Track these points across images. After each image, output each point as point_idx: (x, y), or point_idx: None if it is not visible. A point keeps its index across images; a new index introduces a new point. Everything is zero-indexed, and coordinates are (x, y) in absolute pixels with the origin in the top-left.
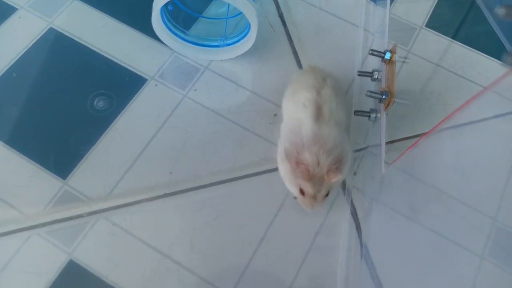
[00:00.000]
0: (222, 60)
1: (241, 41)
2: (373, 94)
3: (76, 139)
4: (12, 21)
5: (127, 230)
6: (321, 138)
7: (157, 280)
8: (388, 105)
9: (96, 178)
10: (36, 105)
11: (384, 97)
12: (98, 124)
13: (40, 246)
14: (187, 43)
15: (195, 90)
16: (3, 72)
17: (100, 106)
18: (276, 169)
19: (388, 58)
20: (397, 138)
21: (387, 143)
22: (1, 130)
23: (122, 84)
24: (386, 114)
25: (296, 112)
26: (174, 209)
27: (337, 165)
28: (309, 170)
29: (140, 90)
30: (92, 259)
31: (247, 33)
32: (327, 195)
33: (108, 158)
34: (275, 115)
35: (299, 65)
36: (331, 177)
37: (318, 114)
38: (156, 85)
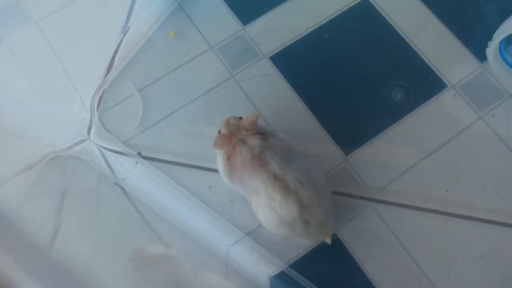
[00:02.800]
0: None
1: None
2: None
3: (365, 120)
4: None
5: (391, 229)
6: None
7: None
8: None
9: (375, 166)
10: (337, 71)
11: None
12: (390, 114)
13: None
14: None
15: (493, 115)
16: (316, 27)
17: (397, 97)
18: None
19: None
20: None
21: None
22: (302, 89)
23: (423, 83)
24: None
25: None
26: (442, 228)
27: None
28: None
29: (438, 95)
30: (354, 242)
31: None
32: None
33: (390, 151)
34: None
35: None
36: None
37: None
38: (454, 95)
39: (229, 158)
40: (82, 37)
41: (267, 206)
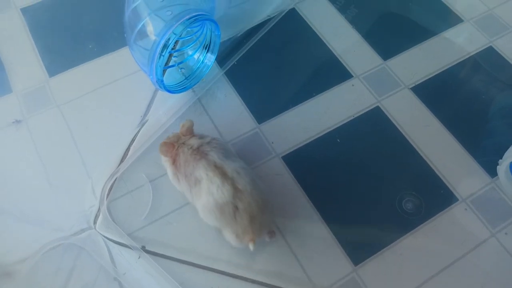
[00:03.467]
0: None
1: None
2: None
3: (375, 228)
4: (346, 86)
5: None
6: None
7: None
8: None
9: (385, 280)
10: (348, 176)
11: None
12: (401, 224)
13: None
14: None
15: (506, 233)
16: (328, 130)
17: (408, 208)
18: None
19: None
20: None
21: None
22: (312, 191)
23: (435, 194)
24: None
25: None
26: None
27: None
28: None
29: (449, 208)
30: None
31: None
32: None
33: (402, 264)
34: None
35: None
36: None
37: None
38: (466, 209)
39: (174, 163)
40: (101, 125)
41: (206, 191)
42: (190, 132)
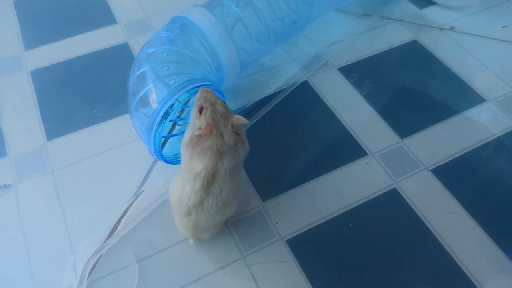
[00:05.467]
0: None
1: None
2: None
3: None
4: (359, 164)
5: None
6: None
7: None
8: None
9: None
10: (361, 267)
11: None
12: None
13: None
14: None
15: None
16: (339, 213)
17: None
18: None
19: None
20: None
21: None
22: (319, 284)
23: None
24: None
25: None
26: None
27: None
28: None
29: None
30: None
31: None
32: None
33: None
34: None
35: None
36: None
37: None
38: None
39: (200, 137)
40: (94, 194)
41: (183, 179)
42: (237, 129)
